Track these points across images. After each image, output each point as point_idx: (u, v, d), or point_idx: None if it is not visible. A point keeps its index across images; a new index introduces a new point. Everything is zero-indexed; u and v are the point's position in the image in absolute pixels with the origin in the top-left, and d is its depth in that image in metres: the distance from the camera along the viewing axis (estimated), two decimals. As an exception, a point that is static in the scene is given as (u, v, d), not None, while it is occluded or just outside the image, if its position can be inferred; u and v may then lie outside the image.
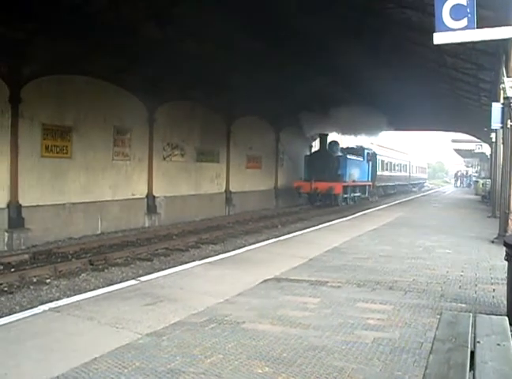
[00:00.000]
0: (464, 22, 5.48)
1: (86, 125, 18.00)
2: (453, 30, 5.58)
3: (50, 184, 16.67)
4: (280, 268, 9.03)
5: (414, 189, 60.88)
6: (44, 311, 6.23)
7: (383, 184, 44.39)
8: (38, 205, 16.17)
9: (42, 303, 8.61)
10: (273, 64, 20.06)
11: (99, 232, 18.42)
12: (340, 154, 33.55)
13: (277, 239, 13.51)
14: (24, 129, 15.60)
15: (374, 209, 24.84)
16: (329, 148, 33.12)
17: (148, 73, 19.23)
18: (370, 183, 38.94)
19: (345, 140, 42.69)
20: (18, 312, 8.02)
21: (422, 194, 47.99)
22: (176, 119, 22.99)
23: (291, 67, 20.85)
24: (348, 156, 34.18)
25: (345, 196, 33.18)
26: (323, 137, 33.13)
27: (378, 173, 41.77)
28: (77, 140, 17.63)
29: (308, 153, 36.15)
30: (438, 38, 5.81)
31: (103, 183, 18.97)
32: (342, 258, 10.34)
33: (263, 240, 15.47)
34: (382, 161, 44.22)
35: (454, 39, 5.71)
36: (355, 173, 34.93)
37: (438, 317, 6.03)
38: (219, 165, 26.89)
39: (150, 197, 21.31)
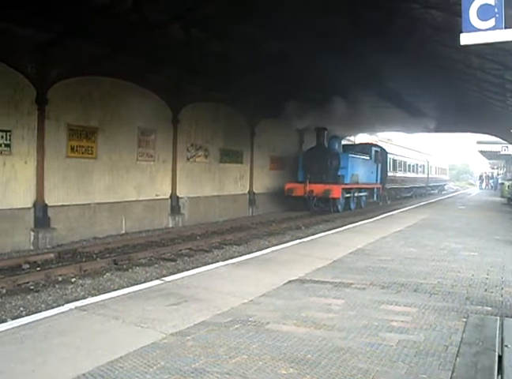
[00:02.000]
0: (491, 22, 5.43)
1: (111, 126, 18.18)
2: (480, 30, 5.53)
3: (75, 184, 16.85)
4: (304, 270, 9.01)
5: (433, 192, 56.80)
6: (71, 309, 6.30)
7: (396, 186, 39.98)
8: (63, 205, 16.36)
9: (67, 302, 8.71)
10: (297, 65, 20.02)
11: (123, 232, 18.57)
12: (341, 151, 29.64)
13: (301, 240, 13.47)
14: (50, 129, 15.79)
15: (398, 211, 24.68)
16: (329, 145, 29.19)
17: (172, 74, 19.35)
18: (379, 185, 34.43)
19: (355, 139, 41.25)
20: (44, 310, 8.15)
21: (447, 196, 47.53)
22: (200, 120, 23.10)
23: (317, 68, 20.80)
24: (351, 154, 29.77)
25: (346, 200, 28.86)
26: (320, 132, 28.56)
27: (390, 174, 37.48)
28: (102, 141, 17.80)
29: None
30: (465, 38, 5.75)
31: (128, 184, 19.12)
32: (366, 260, 10.28)
33: (287, 241, 15.45)
34: (394, 161, 39.64)
35: (482, 40, 5.65)
36: (360, 174, 30.45)
37: (464, 320, 6.02)
38: (242, 166, 26.94)
39: (174, 197, 21.43)
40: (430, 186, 55.12)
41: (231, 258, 11.39)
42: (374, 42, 16.88)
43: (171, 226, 21.00)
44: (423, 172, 50.98)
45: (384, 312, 6.46)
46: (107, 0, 13.76)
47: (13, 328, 5.61)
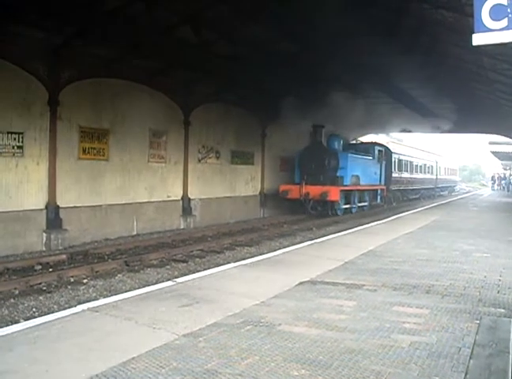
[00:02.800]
0: (504, 22, 5.40)
1: (122, 127, 18.25)
2: (493, 31, 5.50)
3: (87, 185, 16.93)
4: (315, 271, 9.00)
5: (443, 194, 54.70)
6: (83, 310, 6.33)
7: (401, 188, 37.83)
8: (75, 206, 16.44)
9: (79, 303, 8.77)
10: (308, 66, 20.01)
11: (134, 233, 18.64)
12: (340, 151, 27.53)
13: (312, 242, 13.46)
14: (62, 131, 15.88)
15: (409, 212, 24.59)
16: (328, 144, 27.38)
17: (183, 75, 19.40)
18: (383, 187, 32.40)
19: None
20: (56, 311, 8.20)
21: (458, 197, 47.26)
22: (211, 122, 23.14)
23: (328, 68, 20.78)
24: (351, 154, 27.76)
25: (346, 203, 27.09)
26: (318, 129, 26.48)
27: (395, 175, 35.40)
28: (113, 143, 17.88)
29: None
30: (478, 39, 5.73)
31: (139, 185, 19.19)
32: (378, 261, 10.26)
33: (298, 242, 15.43)
34: (400, 161, 37.34)
35: (494, 40, 5.62)
36: (362, 174, 28.46)
37: (477, 321, 6.01)
38: (253, 167, 26.96)
39: (185, 199, 21.48)
40: (439, 187, 53.10)
41: (243, 259, 11.40)
42: (385, 42, 16.85)
43: (182, 227, 21.05)
44: (432, 173, 49.16)
45: (396, 313, 6.44)
46: (118, 2, 13.82)
47: (27, 328, 5.65)
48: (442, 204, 33.77)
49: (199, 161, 22.65)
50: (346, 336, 5.50)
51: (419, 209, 27.37)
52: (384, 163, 32.49)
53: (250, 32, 16.79)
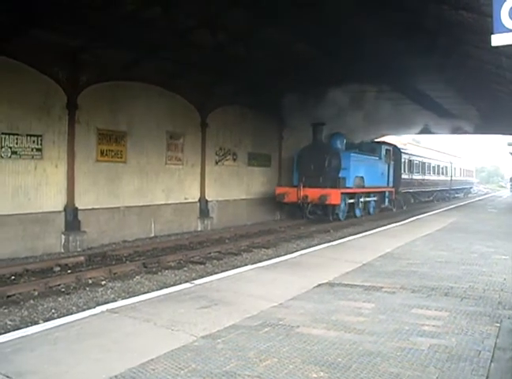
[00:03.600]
0: (524, 23, 5.36)
1: (140, 130, 18.34)
2: (512, 31, 5.46)
3: (105, 188, 17.04)
4: (333, 273, 8.99)
5: (458, 196, 52.61)
6: (102, 312, 6.38)
7: (412, 190, 35.65)
8: (93, 208, 16.54)
9: (97, 304, 8.81)
10: (324, 68, 19.98)
11: (152, 235, 18.72)
12: (342, 150, 25.43)
13: (330, 244, 13.45)
14: (80, 134, 16.01)
15: (427, 214, 24.45)
16: (330, 143, 25.31)
17: (200, 77, 19.45)
18: (392, 189, 30.11)
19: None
20: (75, 312, 8.25)
21: (476, 199, 46.90)
22: (228, 124, 23.18)
23: (341, 71, 20.72)
24: (354, 153, 25.47)
25: (349, 206, 25.12)
26: (318, 127, 24.41)
27: (404, 176, 33.12)
28: (131, 145, 17.98)
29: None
30: (497, 39, 5.68)
31: (157, 187, 19.28)
32: (396, 263, 10.21)
33: (315, 244, 15.44)
34: (410, 161, 35.21)
35: (514, 41, 5.58)
36: (366, 176, 26.27)
37: (496, 325, 5.97)
38: (270, 169, 26.95)
39: (203, 201, 21.54)
40: (453, 189, 51.08)
41: (260, 261, 11.39)
42: (405, 44, 16.77)
43: (199, 229, 21.10)
44: (446, 174, 46.96)
45: (415, 316, 6.41)
46: (135, 6, 13.89)
47: (46, 329, 5.71)
48: (459, 205, 33.54)
49: (216, 163, 22.70)
50: (365, 339, 5.49)
51: (437, 211, 27.21)
52: (392, 163, 30.48)
53: (267, 35, 16.78)
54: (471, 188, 64.79)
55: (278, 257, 12.08)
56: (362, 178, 25.87)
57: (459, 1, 13.64)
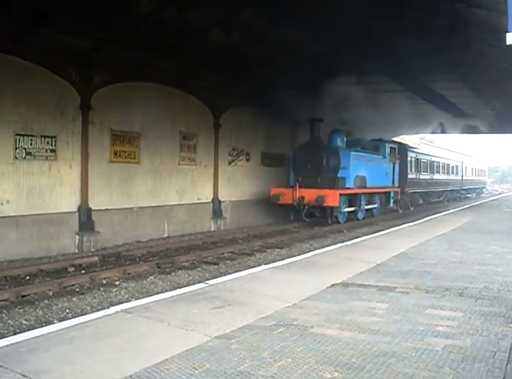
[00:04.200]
0: (539, 22, 5.34)
1: (153, 130, 18.41)
2: (527, 30, 5.44)
3: (118, 188, 17.12)
4: (346, 273, 8.97)
5: (470, 196, 51.10)
6: (116, 312, 6.40)
7: (420, 190, 34.20)
8: (107, 209, 16.62)
9: (111, 304, 8.84)
10: (338, 67, 19.93)
11: (165, 235, 18.78)
12: (341, 148, 23.70)
13: (343, 244, 13.43)
14: (93, 135, 16.09)
15: (441, 214, 24.35)
16: (329, 140, 23.79)
17: (214, 78, 19.48)
18: (397, 189, 28.47)
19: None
20: (89, 312, 8.30)
21: (491, 199, 46.59)
22: (241, 124, 23.19)
23: (355, 70, 20.67)
24: (354, 151, 23.95)
25: (348, 208, 23.43)
26: (315, 123, 22.92)
27: (411, 175, 31.74)
28: (144, 146, 18.04)
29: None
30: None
31: (170, 188, 19.34)
32: (410, 263, 10.18)
33: (329, 245, 15.42)
34: (417, 160, 33.70)
35: (529, 39, 5.55)
36: (368, 175, 24.66)
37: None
38: (284, 169, 26.88)
39: (216, 201, 21.57)
40: (465, 189, 49.33)
41: (274, 262, 11.40)
42: (417, 43, 16.71)
43: (213, 229, 21.14)
44: (457, 173, 45.30)
45: (429, 316, 6.38)
46: (150, 7, 13.93)
47: (61, 329, 5.74)
48: (474, 205, 33.36)
49: (229, 163, 22.74)
50: (379, 339, 5.47)
51: (451, 211, 27.09)
52: (398, 162, 28.81)
53: (280, 35, 16.77)
54: (483, 188, 63.29)
55: (292, 257, 12.08)
56: (363, 177, 24.31)
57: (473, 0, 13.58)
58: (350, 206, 23.50)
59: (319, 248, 14.35)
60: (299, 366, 4.66)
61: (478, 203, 37.22)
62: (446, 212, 25.74)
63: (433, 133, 37.53)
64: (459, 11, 14.68)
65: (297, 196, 21.51)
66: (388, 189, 27.48)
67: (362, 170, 24.05)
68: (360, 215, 24.76)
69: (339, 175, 22.37)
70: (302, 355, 4.94)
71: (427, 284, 8.23)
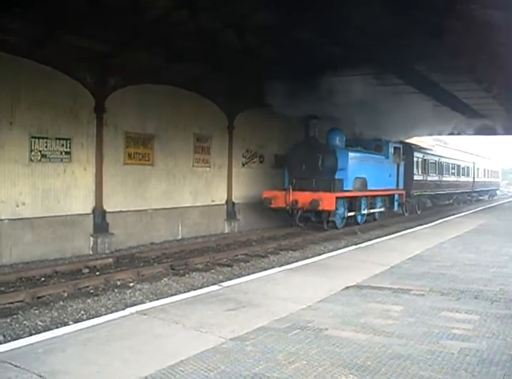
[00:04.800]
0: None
1: (167, 132, 18.47)
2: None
3: (132, 190, 17.18)
4: (361, 275, 8.96)
5: (482, 198, 49.85)
6: (131, 314, 6.44)
7: (427, 192, 32.58)
8: (121, 211, 16.69)
9: (126, 306, 8.89)
10: (353, 68, 19.87)
11: (179, 237, 18.82)
12: (339, 147, 22.09)
13: (357, 246, 13.40)
14: (108, 137, 16.17)
15: (455, 216, 24.24)
16: (327, 140, 22.37)
17: (227, 80, 19.49)
18: (402, 191, 26.86)
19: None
20: (104, 314, 8.36)
21: (506, 201, 46.27)
22: (255, 126, 23.20)
23: (369, 71, 20.60)
24: (353, 152, 22.47)
25: (349, 212, 22.06)
26: (310, 121, 21.77)
27: (417, 177, 30.15)
28: (158, 148, 18.11)
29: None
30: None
31: (184, 190, 19.39)
32: (424, 266, 10.14)
33: (343, 247, 15.41)
34: (425, 161, 32.06)
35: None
36: (369, 177, 23.14)
37: (529, 328, 5.88)
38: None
39: (229, 203, 21.59)
40: (476, 191, 47.81)
41: (287, 264, 11.42)
42: (431, 44, 16.64)
43: (226, 231, 21.16)
44: (468, 175, 43.40)
45: (444, 319, 6.35)
46: (162, 10, 13.98)
47: (77, 330, 5.78)
48: (488, 207, 33.19)
49: (243, 165, 22.76)
50: (394, 341, 5.45)
51: (465, 213, 26.97)
52: (403, 163, 27.26)
53: (295, 37, 16.75)
54: (496, 190, 61.63)
55: (305, 259, 12.11)
56: (364, 179, 22.82)
57: (488, 0, 13.52)
58: (349, 210, 22.12)
59: (333, 250, 14.34)
60: (314, 369, 4.66)
61: (492, 205, 37.02)
62: (460, 214, 25.64)
63: (450, 134, 37.13)
64: (475, 12, 14.62)
65: (290, 199, 20.17)
66: (392, 192, 26.00)
67: (362, 171, 22.70)
68: (360, 219, 23.45)
69: (336, 177, 21.01)
70: (317, 357, 4.93)
71: (442, 287, 8.20)
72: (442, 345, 5.37)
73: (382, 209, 25.46)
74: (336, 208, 20.41)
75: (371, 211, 24.21)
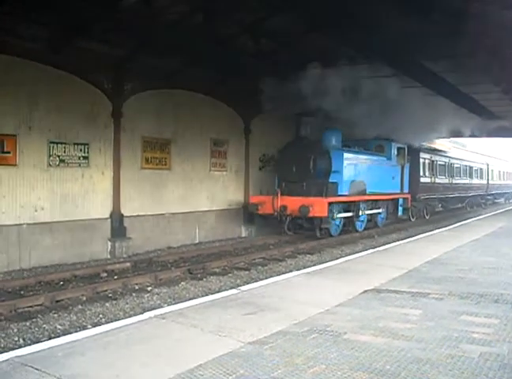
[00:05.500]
0: None
1: (184, 137, 18.53)
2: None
3: (149, 194, 17.26)
4: (379, 279, 8.92)
5: (498, 201, 47.72)
6: (150, 318, 6.46)
7: (435, 196, 30.47)
8: (139, 215, 16.76)
9: (144, 310, 8.95)
10: (367, 70, 19.81)
11: (196, 241, 18.87)
12: (335, 148, 20.05)
13: (375, 250, 13.36)
14: (125, 142, 16.26)
15: (474, 219, 24.06)
16: (323, 140, 20.20)
17: (243, 84, 19.51)
18: (407, 195, 24.88)
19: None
20: (122, 318, 8.40)
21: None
22: (271, 129, 23.17)
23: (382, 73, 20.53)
24: (348, 152, 20.58)
25: (345, 218, 20.42)
26: (301, 120, 20.12)
27: (424, 179, 28.33)
28: (175, 152, 18.18)
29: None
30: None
31: (201, 194, 19.43)
32: (443, 269, 10.08)
33: (360, 250, 15.35)
34: (432, 162, 30.11)
35: None
36: (369, 180, 21.24)
37: (550, 332, 5.81)
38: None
39: (246, 207, 21.57)
40: (491, 194, 45.41)
41: (305, 267, 11.42)
42: (448, 45, 16.57)
43: (243, 235, 21.16)
44: (481, 177, 41.40)
45: (464, 323, 6.30)
46: (178, 15, 14.04)
47: (96, 334, 5.81)
48: (507, 210, 32.90)
49: (260, 169, 22.75)
50: (413, 346, 5.42)
51: (484, 216, 26.78)
52: (408, 164, 25.32)
53: (311, 41, 16.74)
54: None
55: (323, 263, 12.05)
56: (362, 182, 20.97)
57: (504, 1, 13.44)
58: (346, 216, 20.45)
59: (350, 254, 14.32)
60: (333, 373, 4.64)
61: (510, 208, 36.65)
62: (478, 218, 25.43)
63: (469, 136, 36.73)
64: (489, 13, 14.54)
65: (278, 205, 18.43)
66: (395, 196, 24.03)
67: (360, 173, 20.96)
68: (359, 226, 21.67)
69: (330, 180, 19.22)
70: (335, 362, 4.92)
71: (461, 290, 8.13)
72: (462, 349, 5.33)
73: (384, 215, 23.62)
74: (331, 215, 18.96)
75: (371, 214, 22.44)
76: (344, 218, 20.39)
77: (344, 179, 19.62)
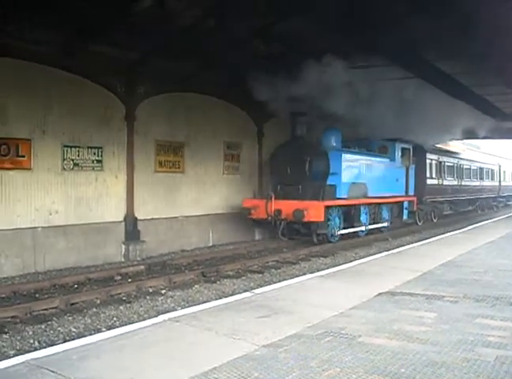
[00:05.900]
0: None
1: (197, 140, 18.54)
2: None
3: (163, 198, 17.30)
4: (393, 282, 8.89)
5: (510, 203, 45.99)
6: (164, 321, 6.49)
7: (443, 198, 29.39)
8: (152, 218, 16.79)
9: (158, 313, 8.97)
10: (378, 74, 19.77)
11: (210, 244, 18.87)
12: (333, 149, 18.81)
13: (389, 252, 13.32)
14: (138, 145, 16.29)
15: (487, 222, 23.93)
16: (322, 141, 19.15)
17: (256, 88, 19.51)
18: (412, 198, 23.72)
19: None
20: (136, 321, 8.43)
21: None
22: (284, 133, 23.12)
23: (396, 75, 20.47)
24: (347, 153, 19.43)
25: (345, 223, 19.32)
26: (297, 119, 18.93)
27: (430, 181, 27.18)
28: (188, 156, 18.21)
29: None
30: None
31: (214, 197, 19.43)
32: (457, 272, 10.03)
33: (374, 253, 15.29)
34: (440, 163, 29.02)
35: None
36: (370, 182, 20.22)
37: None
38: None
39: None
40: (503, 197, 44.05)
41: (319, 270, 11.41)
42: (460, 48, 16.51)
43: (257, 238, 21.15)
44: (492, 179, 40.25)
45: (479, 326, 6.26)
46: (191, 19, 14.08)
47: (111, 337, 5.84)
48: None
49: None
50: (428, 349, 5.39)
51: (498, 218, 26.63)
52: (413, 166, 24.12)
53: (321, 43, 16.72)
54: None
55: (336, 265, 12.06)
56: (363, 185, 19.96)
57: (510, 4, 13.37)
58: (345, 221, 19.38)
59: (364, 256, 14.26)
60: (348, 376, 4.63)
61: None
62: (493, 220, 25.30)
63: (483, 138, 36.42)
64: (499, 16, 14.48)
65: (272, 209, 17.46)
66: (400, 199, 22.91)
67: (360, 175, 19.90)
68: (361, 231, 20.55)
69: (327, 183, 18.11)
70: (350, 365, 4.90)
71: (476, 293, 8.09)
72: (478, 353, 5.29)
73: (387, 219, 22.47)
74: (329, 219, 18.02)
75: (374, 220, 21.42)
76: (345, 222, 19.41)
77: (342, 181, 18.56)
